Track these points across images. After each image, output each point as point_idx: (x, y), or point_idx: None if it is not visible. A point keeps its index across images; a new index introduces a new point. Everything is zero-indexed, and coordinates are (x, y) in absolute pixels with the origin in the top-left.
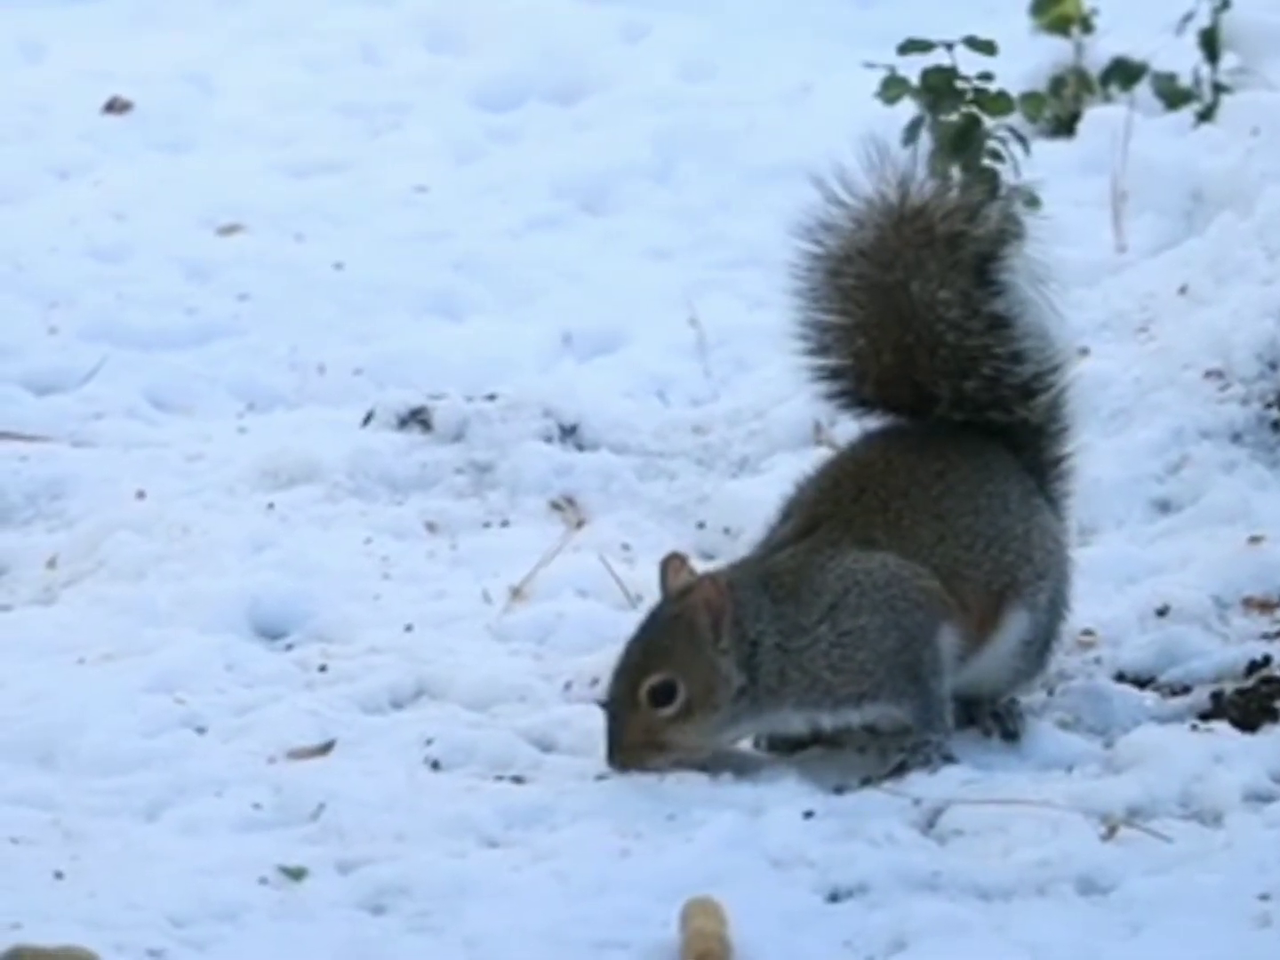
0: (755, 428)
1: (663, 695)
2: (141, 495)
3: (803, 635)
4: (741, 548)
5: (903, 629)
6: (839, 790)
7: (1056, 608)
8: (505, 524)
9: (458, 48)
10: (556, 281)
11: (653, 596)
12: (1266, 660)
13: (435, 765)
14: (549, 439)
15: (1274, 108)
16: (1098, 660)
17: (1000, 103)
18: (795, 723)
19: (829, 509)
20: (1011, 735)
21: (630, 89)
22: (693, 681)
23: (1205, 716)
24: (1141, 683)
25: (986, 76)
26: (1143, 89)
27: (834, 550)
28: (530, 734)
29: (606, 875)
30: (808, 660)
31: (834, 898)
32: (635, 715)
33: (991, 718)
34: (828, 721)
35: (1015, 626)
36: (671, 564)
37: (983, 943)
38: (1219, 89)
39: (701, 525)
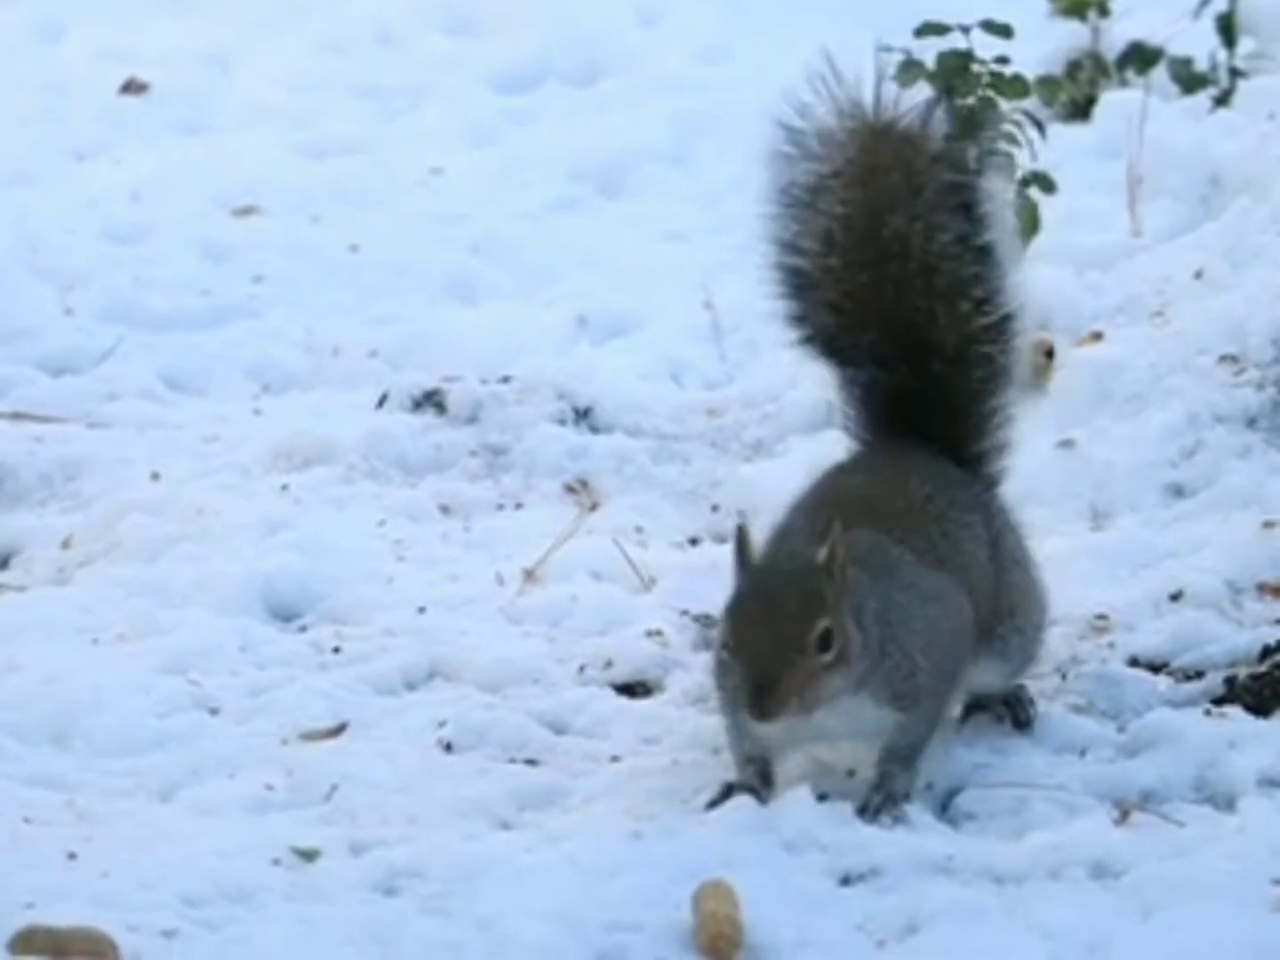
0: (769, 411)
1: (825, 642)
2: (156, 477)
3: (899, 610)
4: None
5: (961, 646)
6: (851, 774)
7: (1040, 625)
8: (519, 506)
9: (475, 30)
10: (572, 264)
11: (665, 579)
12: None
13: (448, 747)
14: (563, 422)
15: None
16: (1111, 645)
17: (1016, 87)
18: (865, 708)
19: (846, 519)
20: (1024, 723)
21: (647, 72)
22: (840, 631)
23: (1219, 701)
24: (1155, 667)
25: (1002, 60)
26: (1159, 73)
27: (888, 541)
28: (543, 716)
29: (619, 858)
30: (904, 636)
31: (846, 881)
32: (801, 661)
33: (1003, 705)
34: (886, 718)
35: (1003, 646)
36: (745, 533)
37: (995, 926)
38: (1235, 74)
39: (715, 508)
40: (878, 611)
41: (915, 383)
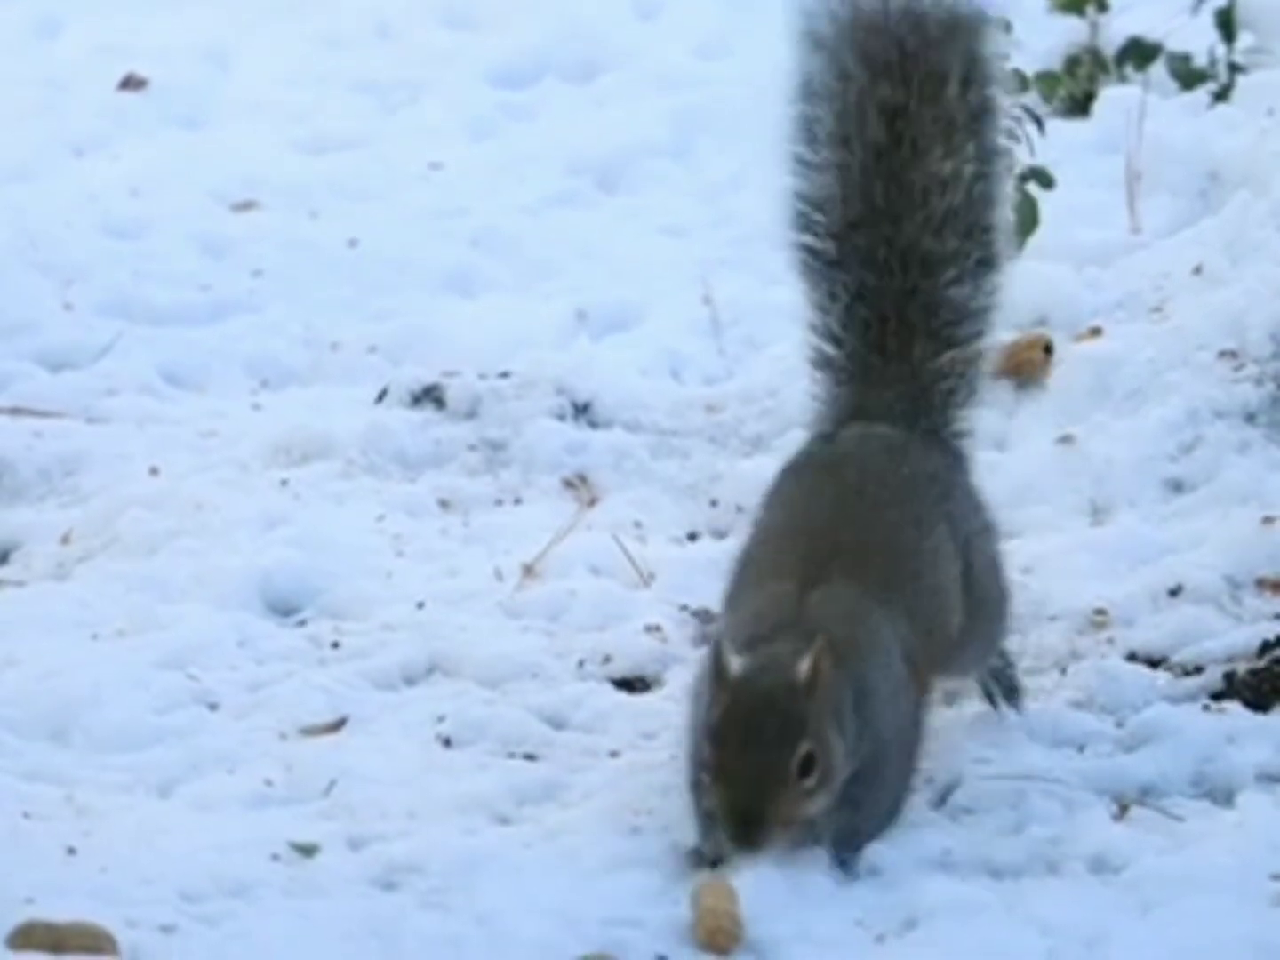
0: (768, 406)
1: (807, 767)
2: (155, 472)
3: (869, 696)
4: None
5: (925, 731)
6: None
7: (1005, 616)
8: (518, 501)
9: (473, 25)
10: (571, 259)
11: (664, 574)
12: (1279, 640)
13: (447, 742)
14: (562, 417)
15: None
16: (1110, 640)
17: (1015, 82)
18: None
19: (815, 569)
20: (1012, 693)
21: (646, 67)
22: (824, 751)
23: (1217, 696)
24: (1154, 662)
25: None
26: (1158, 69)
27: (861, 603)
28: (542, 711)
29: (618, 853)
30: (878, 719)
31: (844, 868)
32: (784, 791)
33: (986, 686)
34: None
35: (956, 669)
36: (723, 648)
37: (994, 921)
38: (1235, 69)
39: (714, 503)
40: (854, 703)
41: (901, 294)
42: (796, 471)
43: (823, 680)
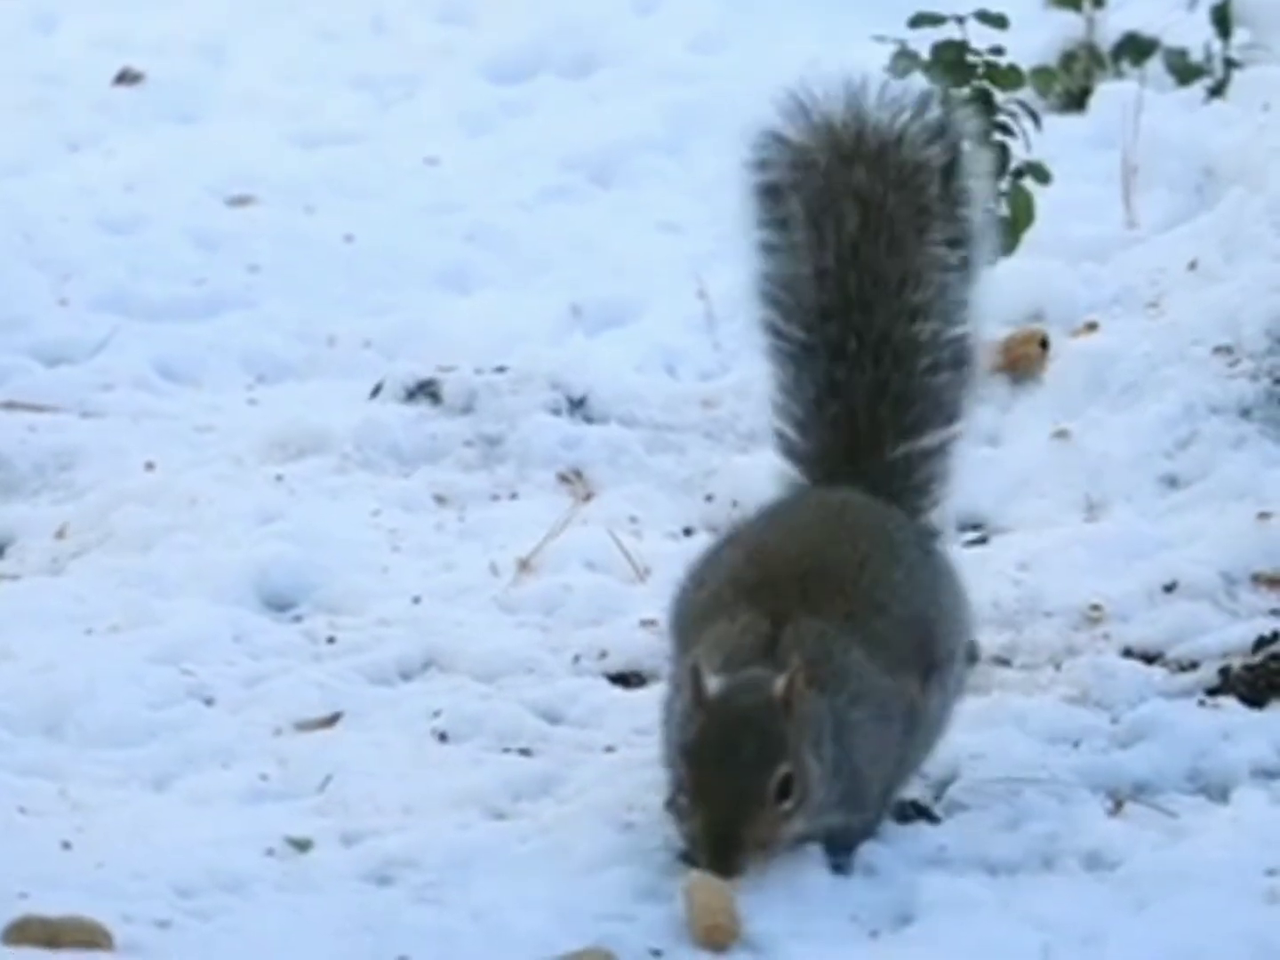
0: (764, 401)
1: (785, 789)
2: (150, 466)
3: (851, 729)
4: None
5: (899, 739)
6: None
7: (960, 685)
8: (513, 496)
9: (469, 20)
10: (567, 254)
11: (660, 570)
12: (1275, 636)
13: (443, 737)
14: (557, 412)
15: None
16: (1106, 635)
17: (1011, 77)
18: (826, 821)
19: (788, 600)
20: (840, 867)
21: (641, 62)
22: (801, 774)
23: (1213, 692)
24: (1149, 658)
25: (998, 51)
26: (1154, 64)
27: (835, 636)
28: (537, 706)
29: (613, 848)
30: (857, 756)
31: (840, 870)
32: (762, 811)
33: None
34: (851, 819)
35: (931, 710)
36: (699, 671)
37: (989, 917)
38: (1230, 64)
39: (710, 498)
40: (833, 732)
41: (873, 388)
42: (765, 510)
43: (799, 702)
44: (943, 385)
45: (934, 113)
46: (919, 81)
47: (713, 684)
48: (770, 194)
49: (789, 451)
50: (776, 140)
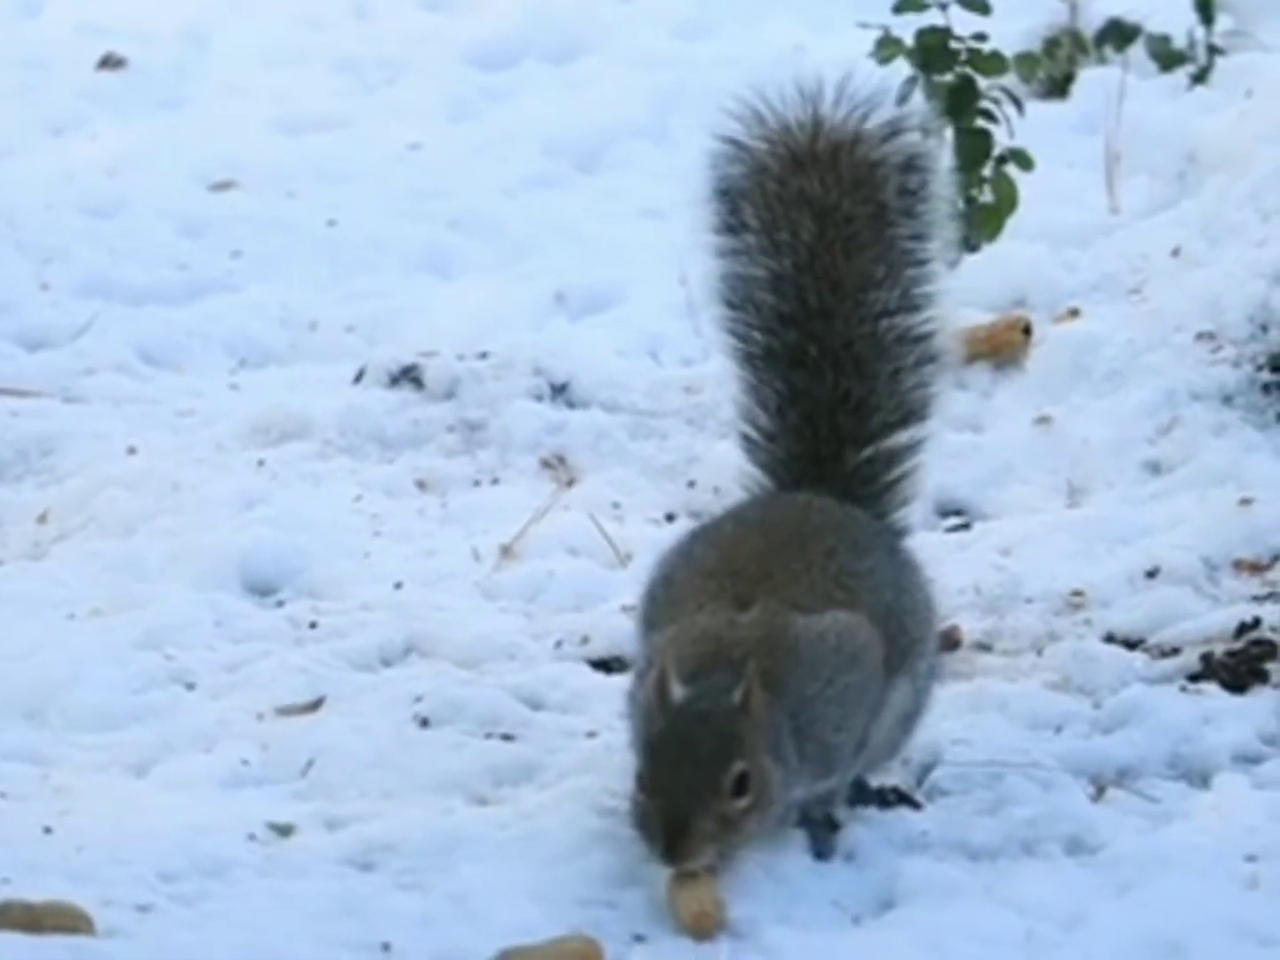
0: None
1: (741, 786)
2: (132, 451)
3: (809, 707)
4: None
5: (876, 681)
6: None
7: (933, 671)
8: (496, 482)
9: (452, 6)
10: (549, 240)
11: (642, 555)
12: (1256, 622)
13: (424, 722)
14: (540, 397)
15: (1268, 70)
16: (1087, 621)
17: (994, 63)
18: (801, 796)
19: (748, 590)
20: (821, 854)
21: (625, 49)
22: (758, 774)
23: (1195, 678)
24: (1131, 644)
25: (981, 37)
26: (1137, 50)
27: (794, 617)
28: (519, 692)
29: (595, 834)
30: (818, 731)
31: (822, 856)
32: (715, 803)
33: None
34: (827, 785)
35: (899, 698)
36: (667, 674)
37: (971, 902)
38: (1213, 51)
39: (692, 484)
40: (791, 725)
41: (834, 399)
42: (732, 511)
43: (756, 704)
44: (907, 388)
45: (889, 110)
46: (877, 77)
47: (676, 691)
48: (725, 198)
49: (753, 455)
50: (732, 145)
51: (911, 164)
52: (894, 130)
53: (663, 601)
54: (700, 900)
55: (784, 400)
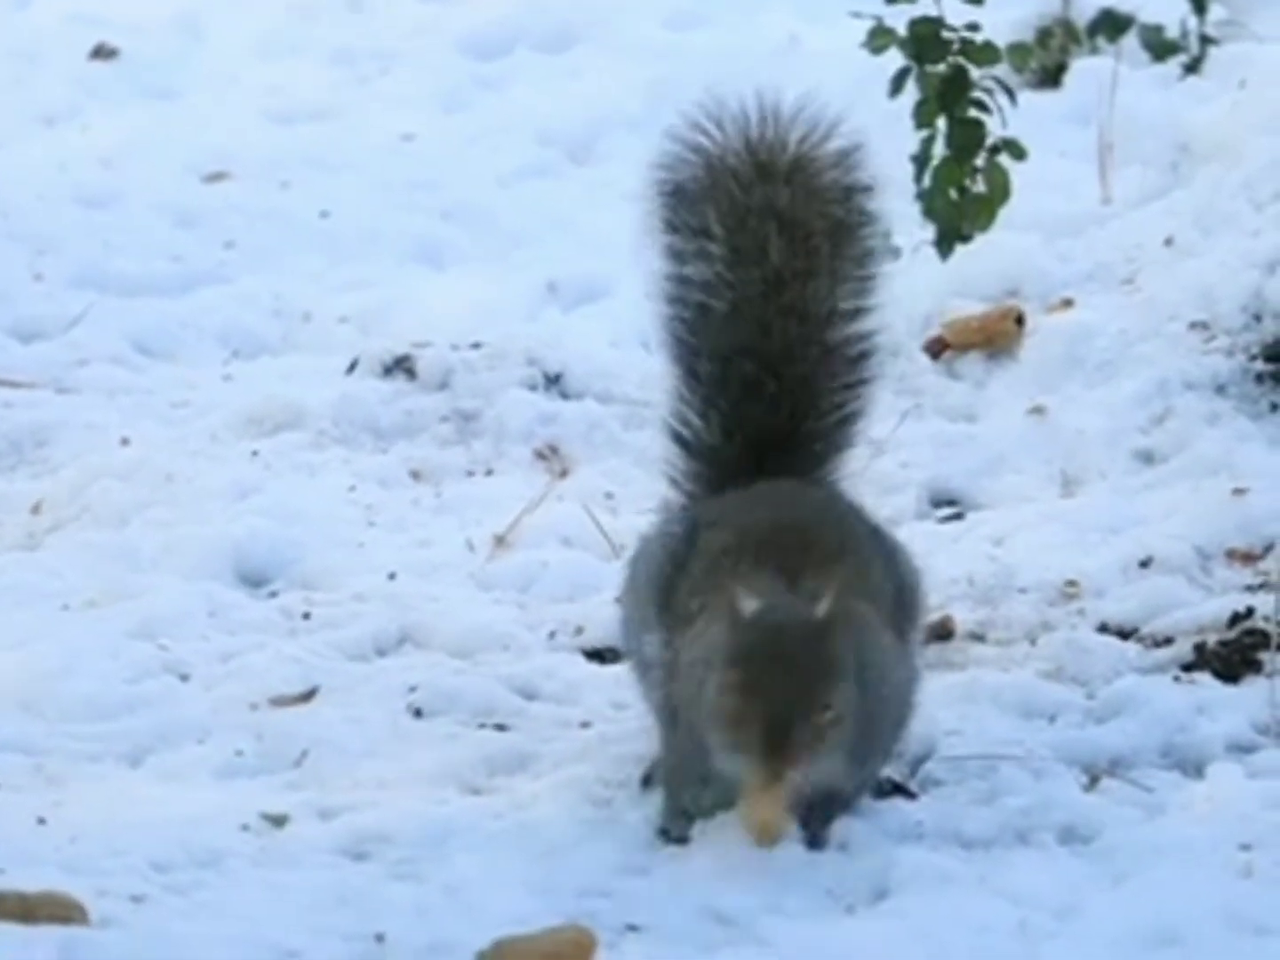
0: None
1: (831, 700)
2: (126, 442)
3: (874, 672)
4: None
5: (911, 711)
6: None
7: (920, 668)
8: (489, 472)
9: None
10: (543, 230)
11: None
12: (1249, 612)
13: (418, 713)
14: (533, 388)
15: (1261, 60)
16: (1081, 611)
17: (987, 53)
18: (830, 770)
19: (793, 562)
20: (815, 843)
21: (618, 39)
22: (846, 692)
23: (1188, 668)
24: (1124, 634)
25: (973, 27)
26: (1130, 41)
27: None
28: (513, 682)
29: (589, 824)
30: (874, 704)
31: (815, 846)
32: (814, 714)
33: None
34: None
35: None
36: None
37: (964, 892)
38: (1206, 41)
39: None
40: (858, 672)
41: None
42: (724, 501)
43: (842, 621)
44: (851, 414)
45: (840, 140)
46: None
47: (748, 603)
48: (678, 196)
49: (676, 458)
50: (690, 147)
51: (857, 193)
52: (844, 158)
53: (689, 586)
54: (772, 809)
55: (731, 424)
